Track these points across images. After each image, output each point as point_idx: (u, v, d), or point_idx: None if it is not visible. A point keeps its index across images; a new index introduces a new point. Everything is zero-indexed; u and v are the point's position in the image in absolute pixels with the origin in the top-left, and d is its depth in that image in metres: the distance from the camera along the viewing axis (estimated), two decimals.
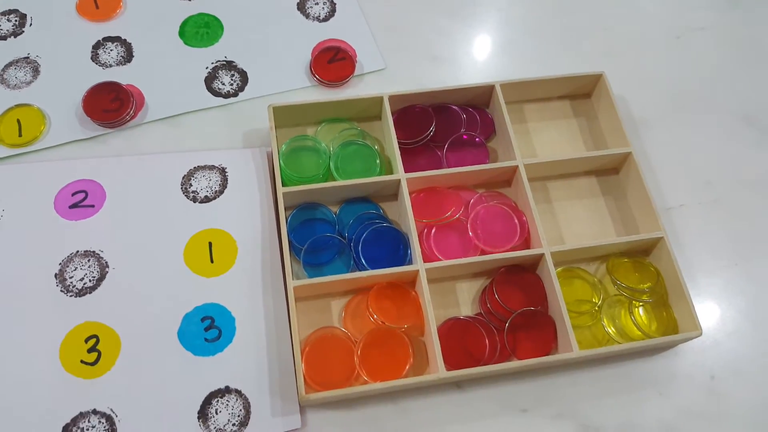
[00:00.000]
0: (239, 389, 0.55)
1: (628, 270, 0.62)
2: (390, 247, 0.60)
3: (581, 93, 0.71)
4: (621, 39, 0.77)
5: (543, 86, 0.69)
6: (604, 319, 0.60)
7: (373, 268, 0.59)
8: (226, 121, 0.68)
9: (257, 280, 0.60)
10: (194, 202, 0.63)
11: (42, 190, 0.63)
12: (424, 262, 0.58)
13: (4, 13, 0.72)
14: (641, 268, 0.63)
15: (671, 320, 0.60)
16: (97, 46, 0.71)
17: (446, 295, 0.61)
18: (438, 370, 0.54)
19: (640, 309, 0.61)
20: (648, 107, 0.73)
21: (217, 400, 0.55)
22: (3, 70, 0.69)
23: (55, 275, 0.59)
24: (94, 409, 0.54)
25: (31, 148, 0.65)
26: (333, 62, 0.70)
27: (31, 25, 0.72)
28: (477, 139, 0.66)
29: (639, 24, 0.79)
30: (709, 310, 0.63)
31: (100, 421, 0.54)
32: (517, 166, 0.63)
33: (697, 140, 0.71)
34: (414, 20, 0.76)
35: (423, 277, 0.57)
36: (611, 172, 0.68)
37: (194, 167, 0.64)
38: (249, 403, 0.55)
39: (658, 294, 0.61)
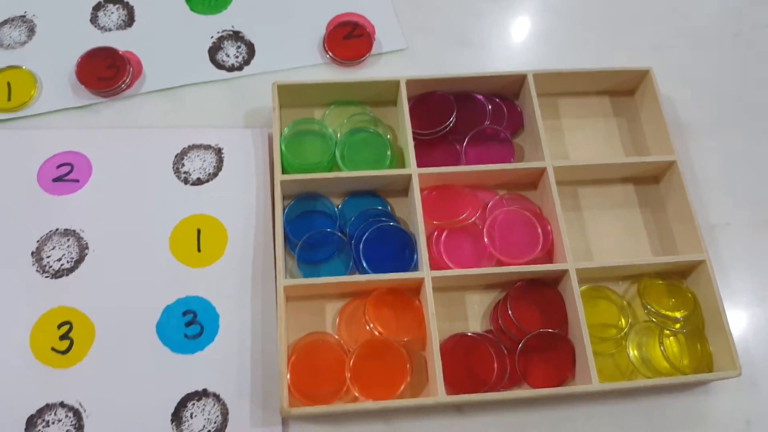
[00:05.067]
0: (218, 393, 0.51)
1: (661, 293, 0.56)
2: (395, 248, 0.55)
3: (624, 90, 0.64)
4: (673, 32, 0.70)
5: (581, 79, 0.62)
6: (630, 348, 0.54)
7: (374, 271, 0.54)
8: (227, 97, 0.63)
9: (247, 274, 0.55)
10: (185, 183, 0.58)
11: (26, 159, 0.59)
12: (432, 269, 0.53)
13: None
14: (677, 292, 0.56)
15: (706, 355, 0.54)
16: (97, 8, 0.66)
17: (453, 306, 0.55)
18: (438, 392, 0.49)
19: (672, 339, 0.55)
20: (697, 111, 0.66)
21: (193, 403, 0.51)
22: None
23: (32, 253, 0.55)
24: (62, 402, 0.51)
25: (19, 113, 0.61)
26: (349, 38, 0.64)
27: None
28: (502, 134, 0.60)
29: (694, 17, 0.71)
30: (749, 346, 0.56)
31: (66, 415, 0.50)
32: (545, 168, 0.57)
33: (750, 152, 0.64)
34: None
35: (428, 286, 0.52)
36: (651, 180, 0.61)
37: (188, 146, 0.59)
38: (227, 409, 0.51)
39: (694, 324, 0.55)
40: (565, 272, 0.53)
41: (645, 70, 0.61)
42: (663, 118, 0.60)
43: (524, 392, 0.50)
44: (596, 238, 0.58)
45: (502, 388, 0.52)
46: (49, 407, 0.50)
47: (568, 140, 0.62)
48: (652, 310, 0.55)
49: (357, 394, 0.50)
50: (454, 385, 0.51)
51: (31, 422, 0.50)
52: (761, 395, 0.54)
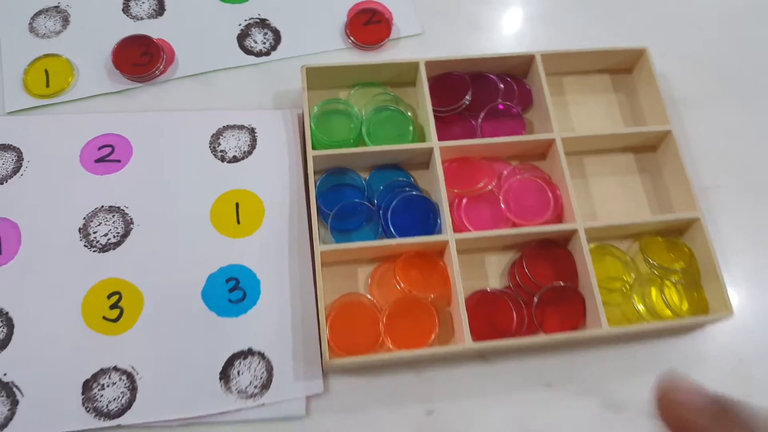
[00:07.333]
0: (262, 352, 0.55)
1: (661, 249, 0.61)
2: (420, 216, 0.59)
3: (622, 68, 0.69)
4: (668, 13, 0.75)
5: (583, 59, 0.67)
6: (635, 297, 0.59)
7: (401, 236, 0.58)
8: (257, 81, 0.66)
9: (284, 243, 0.59)
10: (222, 161, 0.62)
11: (68, 142, 0.61)
12: (455, 232, 0.57)
13: None
14: (675, 247, 0.61)
15: (702, 301, 0.59)
16: None
17: (475, 267, 0.60)
18: (464, 341, 0.53)
19: (672, 289, 0.60)
20: (691, 88, 0.70)
21: (240, 362, 0.54)
22: (32, 18, 0.67)
23: (79, 230, 0.58)
24: (115, 366, 0.53)
25: (58, 99, 0.64)
26: (369, 24, 0.69)
27: None
28: (513, 110, 0.65)
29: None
30: (740, 293, 0.62)
31: (120, 378, 0.53)
32: (553, 139, 0.62)
33: (740, 124, 0.69)
34: None
35: (452, 248, 0.56)
36: (649, 149, 0.66)
37: (223, 126, 0.63)
38: (272, 366, 0.54)
39: (691, 275, 0.60)
40: (574, 232, 0.58)
41: (641, 49, 0.66)
42: (658, 92, 0.65)
43: (541, 338, 0.55)
44: (601, 201, 0.63)
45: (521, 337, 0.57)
46: (103, 371, 0.53)
47: (573, 115, 0.67)
48: (654, 263, 0.60)
49: (391, 347, 0.54)
50: (478, 335, 0.55)
51: (87, 386, 0.52)
52: (751, 335, 0.60)
